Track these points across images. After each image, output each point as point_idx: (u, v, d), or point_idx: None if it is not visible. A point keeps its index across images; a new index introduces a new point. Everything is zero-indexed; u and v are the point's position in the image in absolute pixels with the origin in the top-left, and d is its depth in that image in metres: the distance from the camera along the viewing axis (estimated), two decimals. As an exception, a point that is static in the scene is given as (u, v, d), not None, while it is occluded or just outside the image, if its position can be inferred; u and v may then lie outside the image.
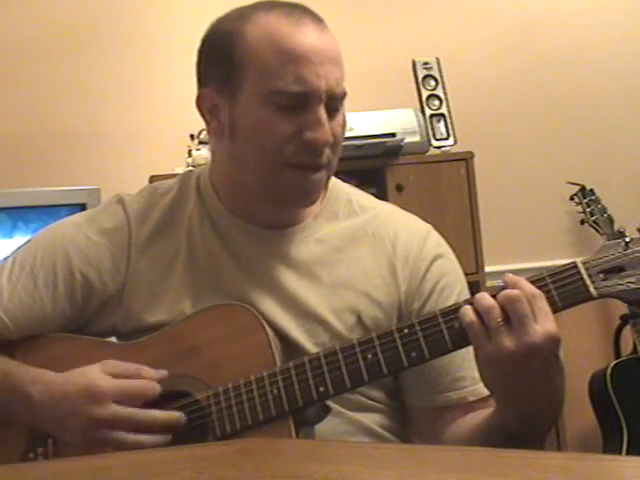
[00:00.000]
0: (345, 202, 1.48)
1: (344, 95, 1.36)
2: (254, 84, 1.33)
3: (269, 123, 1.32)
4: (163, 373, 1.32)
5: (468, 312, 1.22)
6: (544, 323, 1.20)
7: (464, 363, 1.39)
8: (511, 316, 1.20)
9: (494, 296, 1.22)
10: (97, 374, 1.31)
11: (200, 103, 1.40)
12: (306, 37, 1.32)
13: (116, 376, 1.31)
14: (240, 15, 1.37)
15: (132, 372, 1.32)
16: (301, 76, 1.30)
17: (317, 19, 1.36)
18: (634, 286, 1.22)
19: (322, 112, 1.32)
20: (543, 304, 1.21)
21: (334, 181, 1.50)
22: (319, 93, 1.31)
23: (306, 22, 1.33)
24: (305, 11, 1.36)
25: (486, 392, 1.41)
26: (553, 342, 1.20)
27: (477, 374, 1.38)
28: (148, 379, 1.31)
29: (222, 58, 1.36)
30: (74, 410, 1.28)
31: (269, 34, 1.32)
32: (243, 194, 1.42)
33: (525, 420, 1.25)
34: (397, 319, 1.41)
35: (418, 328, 1.26)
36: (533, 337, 1.19)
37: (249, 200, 1.42)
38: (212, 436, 1.29)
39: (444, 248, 1.48)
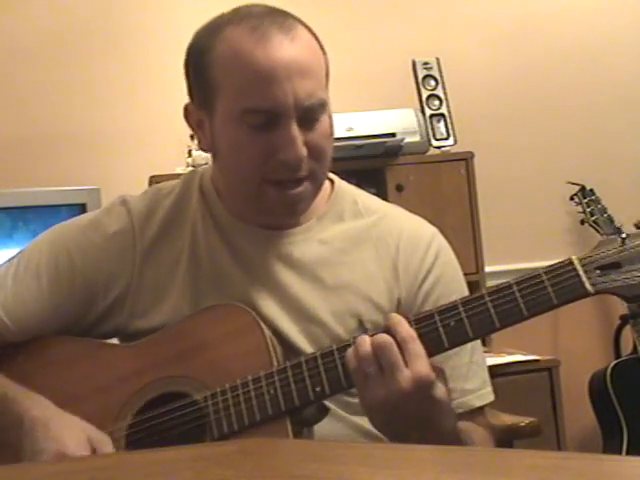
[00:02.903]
0: (351, 203, 1.47)
1: (321, 104, 1.33)
2: (225, 104, 1.33)
3: (243, 145, 1.32)
4: None
5: (351, 358, 1.23)
6: (414, 367, 1.20)
7: (454, 375, 1.38)
8: (382, 364, 1.21)
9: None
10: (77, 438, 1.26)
11: (187, 116, 1.41)
12: (270, 53, 1.29)
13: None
14: (214, 28, 1.36)
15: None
16: (267, 94, 1.29)
17: (285, 29, 1.31)
18: (631, 282, 1.22)
19: (293, 129, 1.30)
20: (415, 346, 1.22)
21: (339, 182, 1.50)
22: (287, 110, 1.29)
23: (272, 35, 1.30)
24: (273, 21, 1.32)
25: (475, 404, 1.42)
26: (424, 385, 1.21)
27: (467, 386, 1.40)
28: None
29: (198, 75, 1.37)
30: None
31: (234, 52, 1.31)
32: (240, 201, 1.42)
33: None
34: None
35: (414, 327, 1.25)
36: (402, 383, 1.20)
37: (246, 206, 1.42)
38: (210, 437, 1.29)
39: (445, 255, 1.47)
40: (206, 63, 1.34)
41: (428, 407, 1.23)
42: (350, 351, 1.24)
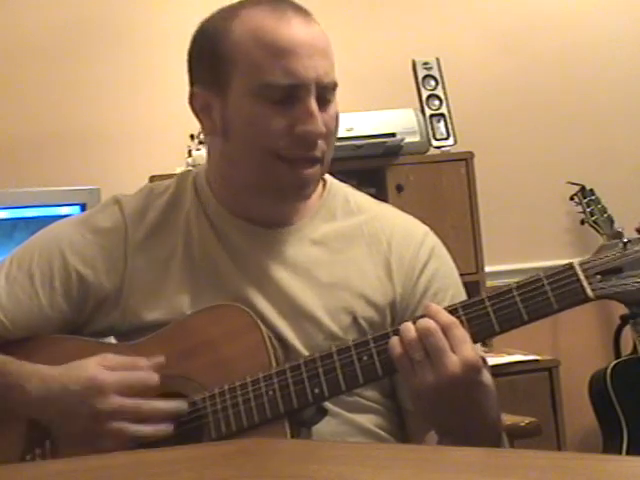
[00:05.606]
0: (343, 201, 1.48)
1: (334, 85, 1.37)
2: (243, 80, 1.34)
3: (261, 118, 1.33)
4: (159, 361, 1.31)
5: (396, 345, 1.23)
6: (462, 352, 1.20)
7: None
8: (428, 349, 1.21)
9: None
10: (96, 368, 1.31)
11: (193, 102, 1.41)
12: (292, 30, 1.33)
13: (114, 369, 1.31)
14: (227, 13, 1.39)
15: (129, 364, 1.32)
16: (289, 69, 1.31)
17: (303, 12, 1.37)
18: (632, 287, 1.20)
19: (313, 104, 1.33)
20: (459, 332, 1.22)
21: (332, 180, 1.50)
22: (308, 85, 1.32)
23: (291, 15, 1.35)
24: (290, 5, 1.37)
25: None
26: (473, 369, 1.21)
27: None
28: (145, 369, 1.31)
29: (210, 57, 1.38)
30: (76, 404, 1.28)
31: (254, 29, 1.34)
32: (238, 192, 1.42)
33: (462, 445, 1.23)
34: (391, 320, 1.41)
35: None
36: (451, 368, 1.20)
37: (244, 198, 1.42)
38: (207, 438, 1.29)
39: (439, 251, 1.47)
40: (219, 44, 1.36)
41: (476, 393, 1.23)
42: (394, 338, 1.23)
